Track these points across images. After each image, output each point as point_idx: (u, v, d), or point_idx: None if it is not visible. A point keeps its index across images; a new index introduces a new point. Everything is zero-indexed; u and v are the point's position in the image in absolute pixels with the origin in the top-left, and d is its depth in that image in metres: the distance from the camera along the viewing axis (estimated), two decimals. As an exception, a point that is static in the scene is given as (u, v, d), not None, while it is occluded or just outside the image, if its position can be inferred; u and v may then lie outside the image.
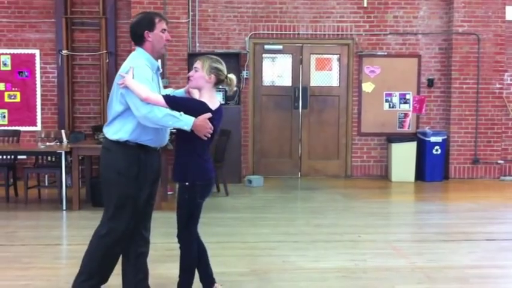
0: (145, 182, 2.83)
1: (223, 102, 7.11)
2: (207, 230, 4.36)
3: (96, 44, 7.74)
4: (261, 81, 8.00)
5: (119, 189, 2.78)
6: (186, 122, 2.71)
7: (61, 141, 5.95)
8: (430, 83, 8.10)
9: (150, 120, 2.69)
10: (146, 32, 2.81)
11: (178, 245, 2.91)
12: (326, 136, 8.13)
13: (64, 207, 5.60)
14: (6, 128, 7.41)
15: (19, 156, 6.81)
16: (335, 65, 8.23)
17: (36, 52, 7.75)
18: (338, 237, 4.63)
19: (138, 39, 2.84)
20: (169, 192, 6.26)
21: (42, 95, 7.81)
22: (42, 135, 6.75)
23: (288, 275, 3.61)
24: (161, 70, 2.99)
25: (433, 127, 8.07)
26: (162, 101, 2.69)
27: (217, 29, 7.87)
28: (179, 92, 3.06)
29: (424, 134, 7.81)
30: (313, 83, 8.14)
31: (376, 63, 8.05)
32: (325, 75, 8.26)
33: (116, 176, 2.77)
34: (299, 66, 8.08)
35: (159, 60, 3.11)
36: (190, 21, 7.71)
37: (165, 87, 3.62)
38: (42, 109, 7.82)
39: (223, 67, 2.88)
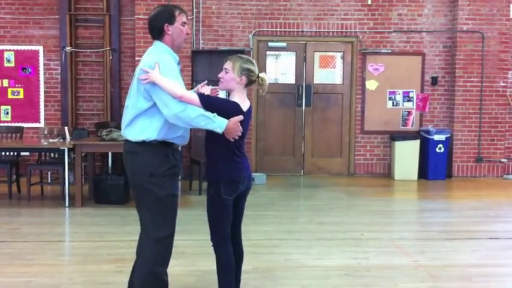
0: (176, 180, 2.71)
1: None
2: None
3: (99, 41, 7.74)
4: (264, 79, 7.98)
5: (155, 192, 2.59)
6: (219, 124, 2.57)
7: (64, 138, 5.95)
8: (434, 81, 8.07)
9: (181, 119, 2.54)
10: (166, 25, 2.67)
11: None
12: (329, 134, 8.11)
13: (67, 204, 5.61)
14: (9, 124, 7.42)
15: (22, 153, 6.83)
16: (339, 62, 8.20)
17: (40, 49, 7.76)
18: (341, 235, 4.62)
19: (158, 33, 2.70)
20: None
21: (45, 92, 7.82)
22: (45, 132, 6.76)
23: (290, 272, 3.60)
24: (181, 64, 2.85)
25: (437, 125, 8.04)
26: (197, 100, 2.56)
27: (221, 26, 7.85)
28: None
29: (428, 132, 7.78)
30: (316, 81, 8.12)
31: (380, 61, 8.02)
32: (329, 73, 8.23)
33: (148, 179, 2.58)
34: (303, 64, 8.06)
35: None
36: (194, 18, 7.70)
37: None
38: (45, 106, 7.84)
39: (254, 67, 2.77)
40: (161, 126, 2.60)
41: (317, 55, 8.12)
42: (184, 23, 2.72)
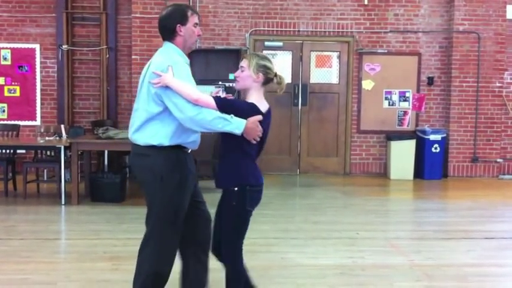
0: (188, 184, 2.57)
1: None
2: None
3: (96, 39, 7.72)
4: (261, 78, 7.99)
5: (163, 196, 2.50)
6: (237, 125, 2.44)
7: (60, 136, 5.94)
8: (430, 81, 8.10)
9: (197, 123, 2.43)
10: (179, 25, 2.55)
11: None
12: (325, 133, 8.13)
13: (63, 202, 5.60)
14: (5, 122, 7.40)
15: (18, 151, 6.81)
16: (335, 62, 8.22)
17: (37, 47, 7.73)
18: (337, 234, 4.64)
19: (169, 34, 2.58)
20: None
21: (42, 90, 7.79)
22: (42, 130, 6.75)
23: (286, 271, 3.61)
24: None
25: (433, 125, 8.07)
26: (213, 103, 2.45)
27: (218, 25, 7.85)
28: None
29: (424, 132, 7.81)
30: (313, 80, 8.13)
31: (376, 60, 8.04)
32: (325, 73, 8.25)
33: (158, 182, 2.48)
34: (299, 63, 8.07)
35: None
36: (190, 17, 7.69)
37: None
38: (41, 104, 7.81)
39: (271, 65, 2.62)
40: (173, 131, 2.50)
41: (313, 55, 8.13)
42: (196, 23, 2.62)
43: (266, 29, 7.91)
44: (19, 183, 6.26)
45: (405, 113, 8.13)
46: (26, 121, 7.67)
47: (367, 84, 8.07)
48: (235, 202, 2.54)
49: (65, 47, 7.53)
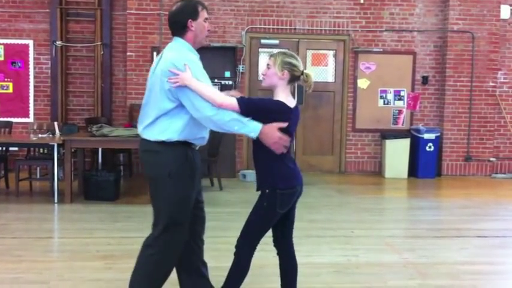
0: (196, 181, 2.59)
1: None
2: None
3: (90, 36, 7.68)
4: (257, 76, 7.97)
5: (170, 192, 2.49)
6: (253, 128, 2.44)
7: (54, 133, 5.89)
8: (425, 80, 8.13)
9: (215, 123, 2.44)
10: (190, 20, 2.54)
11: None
12: (321, 132, 8.13)
13: (56, 200, 5.56)
14: (-2, 119, 7.34)
15: (11, 148, 6.76)
16: (331, 60, 8.22)
17: (30, 42, 7.67)
18: (331, 232, 4.64)
19: (180, 29, 2.56)
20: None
21: (35, 86, 7.74)
22: (35, 127, 6.69)
23: (281, 269, 3.60)
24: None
25: (427, 124, 8.10)
26: (237, 105, 2.43)
27: (214, 22, 7.82)
28: None
29: (418, 130, 7.84)
30: (308, 79, 8.12)
31: (371, 59, 8.05)
32: (321, 71, 8.25)
33: (166, 179, 2.49)
34: (294, 62, 8.06)
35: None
36: (185, 14, 7.65)
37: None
38: (35, 100, 7.76)
39: (298, 62, 2.60)
40: (183, 126, 2.49)
41: (309, 53, 8.13)
42: (207, 18, 2.62)
43: (262, 26, 7.90)
44: (11, 181, 6.21)
45: (400, 111, 8.15)
46: (19, 118, 7.61)
47: (362, 83, 8.09)
48: (266, 203, 2.57)
49: (58, 43, 7.48)
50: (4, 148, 6.44)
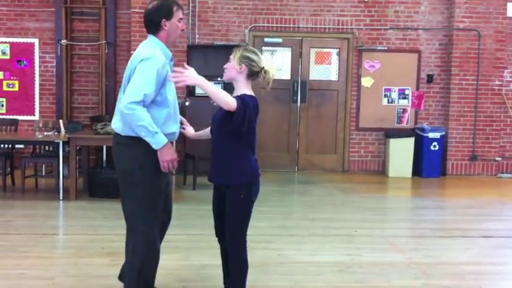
0: (165, 173, 2.67)
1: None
2: (204, 223, 4.37)
3: (95, 34, 7.70)
4: (260, 74, 7.98)
5: (145, 184, 2.58)
6: (158, 140, 2.50)
7: (59, 131, 5.93)
8: (430, 78, 8.09)
9: (125, 116, 2.49)
10: (164, 20, 2.63)
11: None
12: (324, 130, 8.12)
13: (61, 197, 5.60)
14: (4, 116, 7.39)
15: (17, 146, 6.80)
16: (334, 59, 8.20)
17: (35, 41, 7.71)
18: (334, 231, 4.64)
19: (153, 28, 2.66)
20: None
21: (40, 85, 7.78)
22: (40, 125, 6.71)
23: (283, 268, 3.61)
24: (174, 60, 2.79)
25: (432, 123, 8.07)
26: (235, 102, 2.47)
27: (217, 20, 7.83)
28: None
29: (422, 129, 7.81)
30: (312, 77, 8.11)
31: (375, 58, 8.03)
32: (325, 69, 8.24)
33: (139, 172, 2.57)
34: (298, 60, 8.06)
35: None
36: (190, 13, 7.67)
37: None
38: (40, 98, 7.80)
39: (257, 57, 2.62)
40: (154, 122, 2.53)
41: (313, 51, 8.12)
42: (181, 19, 2.69)
43: (266, 25, 7.89)
44: (17, 178, 6.25)
45: (404, 110, 8.12)
46: (25, 116, 7.66)
47: (366, 82, 8.06)
48: (243, 195, 2.61)
49: (63, 41, 7.51)
50: (10, 146, 6.48)
